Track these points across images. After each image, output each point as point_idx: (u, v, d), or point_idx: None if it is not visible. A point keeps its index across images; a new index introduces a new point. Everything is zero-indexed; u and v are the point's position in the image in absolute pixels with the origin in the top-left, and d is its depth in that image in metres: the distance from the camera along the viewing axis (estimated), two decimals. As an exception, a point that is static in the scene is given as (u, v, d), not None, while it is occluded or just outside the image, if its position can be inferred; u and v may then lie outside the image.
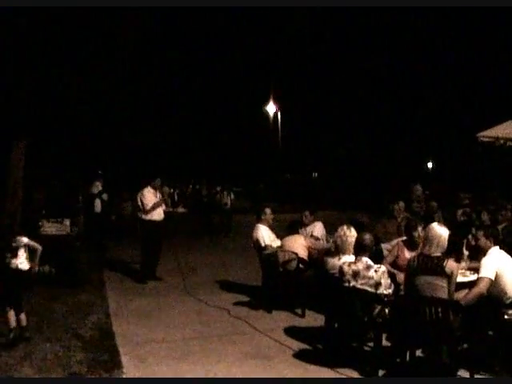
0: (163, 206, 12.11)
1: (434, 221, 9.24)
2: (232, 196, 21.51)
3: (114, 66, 15.42)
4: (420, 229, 8.25)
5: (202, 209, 23.61)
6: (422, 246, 6.50)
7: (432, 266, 6.17)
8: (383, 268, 6.69)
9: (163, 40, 20.89)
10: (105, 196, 17.07)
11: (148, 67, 21.01)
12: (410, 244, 8.10)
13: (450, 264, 6.16)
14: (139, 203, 11.84)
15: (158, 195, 11.96)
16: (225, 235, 20.23)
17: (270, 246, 9.96)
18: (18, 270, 7.55)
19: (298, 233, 9.92)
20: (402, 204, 11.72)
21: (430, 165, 46.29)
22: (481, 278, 6.30)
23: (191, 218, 23.32)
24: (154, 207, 11.74)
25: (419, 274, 6.22)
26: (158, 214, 11.87)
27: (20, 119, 12.74)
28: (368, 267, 6.63)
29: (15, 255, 7.57)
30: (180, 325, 8.55)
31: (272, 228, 10.50)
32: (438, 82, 33.03)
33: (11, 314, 7.41)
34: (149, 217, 11.76)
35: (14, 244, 7.60)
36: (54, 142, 18.91)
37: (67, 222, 11.65)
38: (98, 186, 17.19)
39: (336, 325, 7.36)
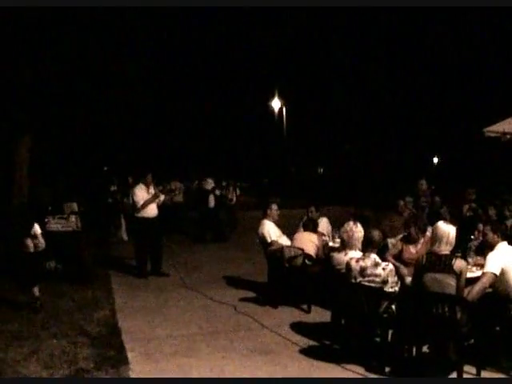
0: (158, 201, 12.15)
1: (439, 216, 9.26)
2: (237, 191, 21.50)
3: (118, 61, 15.44)
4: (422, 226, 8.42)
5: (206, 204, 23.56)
6: (431, 245, 6.49)
7: (440, 264, 6.16)
8: (391, 266, 6.68)
9: (169, 35, 20.88)
10: (218, 192, 18.41)
11: (153, 62, 20.99)
12: (410, 240, 8.31)
13: (459, 263, 6.15)
14: (131, 200, 11.99)
15: (150, 191, 11.99)
16: (230, 231, 20.23)
17: (276, 242, 9.94)
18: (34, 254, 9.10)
19: (311, 231, 9.87)
20: (408, 199, 11.72)
21: (435, 160, 46.16)
22: (485, 272, 6.28)
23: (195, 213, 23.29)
24: (146, 204, 11.79)
25: (427, 272, 6.22)
26: (151, 211, 11.91)
27: (24, 115, 12.75)
28: (376, 264, 6.62)
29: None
30: (186, 321, 8.56)
31: (278, 223, 10.49)
32: (444, 76, 32.91)
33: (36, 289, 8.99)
34: (141, 214, 11.82)
35: (32, 231, 9.09)
36: (58, 137, 18.96)
37: (73, 218, 11.67)
38: (210, 183, 18.41)
39: (342, 321, 7.36)
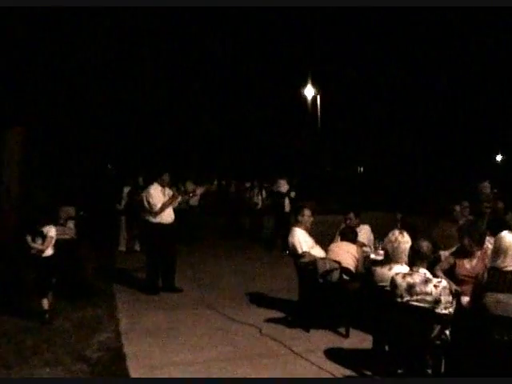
0: (174, 204, 12.12)
1: (503, 225, 9.10)
2: (263, 194, 21.45)
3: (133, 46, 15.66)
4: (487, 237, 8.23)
5: (228, 209, 23.59)
6: (493, 259, 6.38)
7: (505, 282, 6.05)
8: (444, 283, 6.56)
9: (188, 18, 21.13)
10: (293, 194, 18.86)
11: (174, 48, 21.24)
12: (464, 253, 8.08)
13: (528, 281, 6.05)
14: (145, 204, 11.85)
15: (167, 192, 11.98)
16: (255, 240, 20.21)
17: (309, 254, 9.86)
18: (47, 258, 9.51)
19: (350, 240, 9.81)
20: (465, 204, 11.56)
21: (499, 157, 45.64)
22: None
23: (215, 219, 23.34)
24: (164, 208, 11.77)
25: (489, 291, 6.10)
26: (168, 216, 11.91)
27: (14, 104, 12.82)
28: (426, 281, 6.50)
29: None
30: (202, 345, 8.51)
31: (310, 232, 10.42)
32: (505, 65, 32.65)
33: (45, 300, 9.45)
34: (157, 219, 11.80)
35: (44, 231, 9.51)
36: (54, 130, 19.06)
37: (71, 225, 11.69)
38: (284, 185, 19.10)
39: (386, 347, 7.26)
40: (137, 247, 17.04)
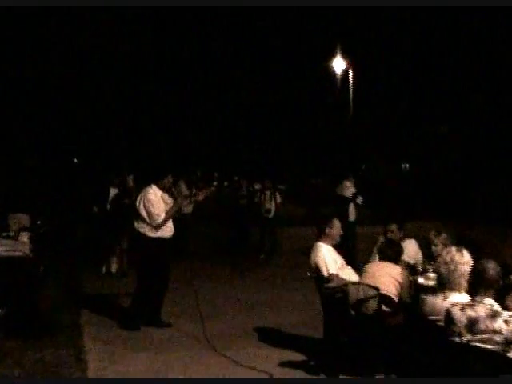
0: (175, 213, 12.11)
1: None
2: (278, 199, 21.38)
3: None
4: None
5: (236, 217, 23.55)
6: None
7: None
8: (518, 318, 6.45)
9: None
10: (359, 200, 19.34)
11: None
12: None
13: None
14: (143, 213, 11.71)
15: (166, 199, 11.90)
16: (267, 257, 20.18)
17: (337, 276, 9.78)
18: None
19: (392, 260, 9.71)
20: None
21: None
22: None
23: (215, 230, 23.36)
24: (167, 219, 11.74)
25: None
26: (170, 228, 11.91)
27: None
28: (493, 315, 6.37)
29: None
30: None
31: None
32: None
33: None
34: (158, 233, 11.74)
35: None
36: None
37: (25, 238, 11.62)
38: (349, 188, 19.41)
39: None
40: (113, 268, 16.96)
